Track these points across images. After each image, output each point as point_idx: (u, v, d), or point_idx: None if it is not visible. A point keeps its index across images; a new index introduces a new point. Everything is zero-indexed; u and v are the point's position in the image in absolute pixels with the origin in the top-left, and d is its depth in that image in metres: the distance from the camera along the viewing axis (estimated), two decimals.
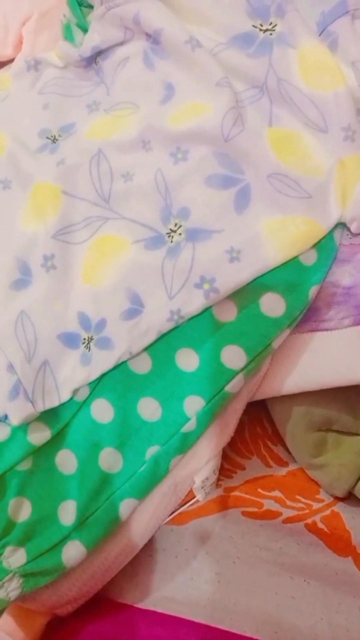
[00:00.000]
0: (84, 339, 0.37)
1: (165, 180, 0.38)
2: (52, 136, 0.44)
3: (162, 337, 0.36)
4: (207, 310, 0.36)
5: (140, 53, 0.42)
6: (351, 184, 0.34)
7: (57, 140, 0.43)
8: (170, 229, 0.37)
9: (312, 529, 0.37)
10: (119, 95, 0.42)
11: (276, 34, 0.37)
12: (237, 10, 0.38)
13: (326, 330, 0.35)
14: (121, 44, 0.43)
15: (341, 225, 0.35)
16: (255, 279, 0.35)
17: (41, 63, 0.47)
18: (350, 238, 0.36)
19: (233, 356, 0.35)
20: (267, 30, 0.37)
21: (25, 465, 0.37)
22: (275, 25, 0.37)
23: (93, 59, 0.44)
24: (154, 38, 0.40)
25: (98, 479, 0.36)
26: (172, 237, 0.37)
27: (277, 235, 0.35)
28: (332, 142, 0.35)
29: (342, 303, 0.35)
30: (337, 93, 0.34)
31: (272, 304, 0.35)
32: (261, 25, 0.37)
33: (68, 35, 0.47)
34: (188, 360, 0.36)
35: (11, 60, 0.49)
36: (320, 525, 0.36)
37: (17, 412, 0.37)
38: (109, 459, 0.36)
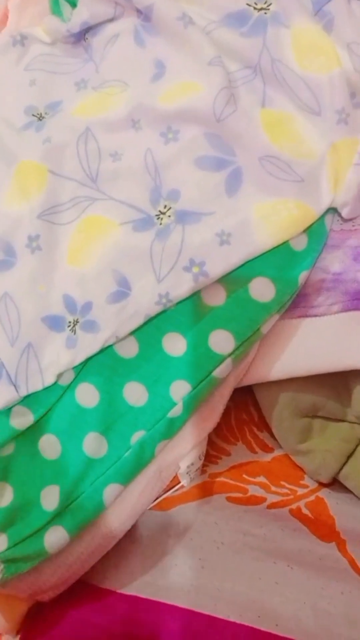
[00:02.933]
0: (69, 322, 0.37)
1: (155, 160, 0.37)
2: (38, 114, 0.43)
3: (149, 321, 0.36)
4: (195, 294, 0.35)
5: (131, 30, 0.40)
6: (343, 168, 0.34)
7: (43, 117, 0.42)
8: (160, 211, 0.36)
9: (297, 514, 0.37)
10: (108, 72, 0.41)
11: (271, 13, 0.36)
12: None
13: (315, 316, 0.35)
14: (111, 20, 0.42)
15: (332, 210, 0.35)
16: (245, 263, 0.35)
17: (27, 38, 0.45)
18: (341, 224, 0.35)
19: (221, 341, 0.35)
20: (261, 9, 0.36)
21: (7, 450, 0.36)
22: (270, 4, 0.36)
23: (82, 35, 0.43)
24: (145, 14, 0.39)
25: (82, 464, 0.35)
26: (162, 219, 0.36)
27: (268, 219, 0.34)
28: (325, 125, 0.34)
29: (331, 289, 0.35)
30: (332, 75, 0.34)
31: (262, 289, 0.35)
32: (255, 4, 0.37)
33: (56, 9, 0.45)
34: (175, 344, 0.36)
35: None
36: (305, 510, 0.36)
37: (3, 395, 0.36)
38: (94, 444, 0.36)
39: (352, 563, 0.34)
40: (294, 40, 0.35)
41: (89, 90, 0.42)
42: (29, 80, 0.44)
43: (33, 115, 0.43)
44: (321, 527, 0.36)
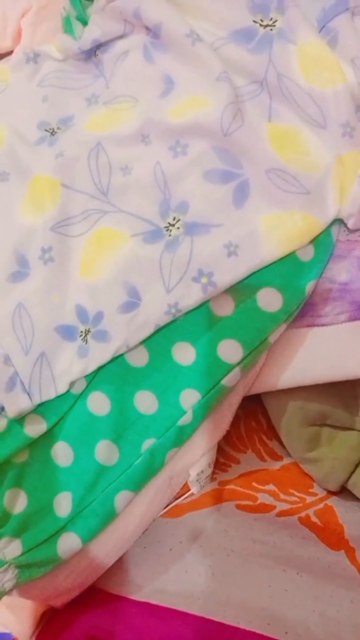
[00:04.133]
0: (81, 332, 0.38)
1: (164, 174, 0.38)
2: (50, 129, 0.44)
3: (159, 331, 0.36)
4: (204, 304, 0.36)
5: (140, 47, 0.42)
6: (349, 180, 0.34)
7: (55, 132, 0.43)
8: (169, 223, 0.37)
9: (306, 522, 0.37)
10: (118, 88, 0.42)
11: (276, 30, 0.37)
12: (238, 5, 0.38)
13: (322, 325, 0.36)
14: (121, 37, 0.43)
15: (338, 221, 0.35)
16: (252, 274, 0.35)
17: (40, 55, 0.46)
18: (347, 234, 0.36)
19: (229, 350, 0.35)
20: (267, 25, 0.37)
21: (21, 457, 0.37)
22: (276, 20, 0.37)
23: (93, 52, 0.44)
24: (154, 32, 0.40)
25: (94, 471, 0.36)
26: (171, 230, 0.37)
27: (275, 231, 0.35)
28: (330, 139, 0.35)
29: (338, 299, 0.35)
30: (337, 90, 0.34)
31: (269, 299, 0.35)
32: (262, 21, 0.37)
33: (68, 28, 0.47)
34: (185, 353, 0.36)
35: (10, 52, 0.49)
36: (314, 518, 0.37)
37: (14, 405, 0.37)
38: (105, 452, 0.36)
39: None
40: (299, 56, 0.36)
41: (100, 106, 0.43)
42: (41, 96, 0.45)
43: (46, 130, 0.44)
44: (330, 535, 0.36)
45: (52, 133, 0.43)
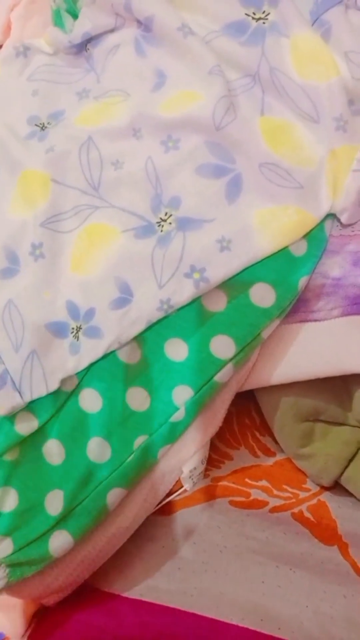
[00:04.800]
0: (73, 328, 0.37)
1: (155, 168, 0.38)
2: (41, 123, 0.43)
3: (151, 327, 0.36)
4: (196, 299, 0.36)
5: (132, 40, 0.41)
6: (342, 174, 0.34)
7: (46, 127, 0.43)
8: (161, 218, 0.37)
9: (299, 518, 0.37)
10: (109, 82, 0.42)
11: (269, 23, 0.37)
12: None
13: (315, 321, 0.35)
14: (112, 30, 0.42)
15: (331, 216, 0.35)
16: (245, 269, 0.35)
17: (30, 49, 0.46)
18: (340, 229, 0.36)
19: (222, 346, 0.35)
20: (260, 18, 0.37)
21: (11, 455, 0.37)
22: (269, 13, 0.37)
23: (83, 46, 0.44)
24: (145, 25, 0.40)
25: (85, 468, 0.36)
26: (163, 226, 0.36)
27: (268, 225, 0.35)
28: (324, 133, 0.34)
29: (331, 294, 0.35)
30: (330, 83, 0.34)
31: (262, 294, 0.35)
32: (254, 14, 0.37)
33: (58, 21, 0.46)
34: (177, 350, 0.36)
35: None
36: (307, 514, 0.37)
37: (4, 402, 0.36)
38: (97, 449, 0.36)
39: (354, 566, 0.34)
40: (292, 49, 0.36)
41: (91, 100, 0.42)
42: (31, 90, 0.45)
43: (36, 125, 0.43)
44: (323, 530, 0.36)
45: (42, 128, 0.43)
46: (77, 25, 0.43)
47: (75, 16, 0.45)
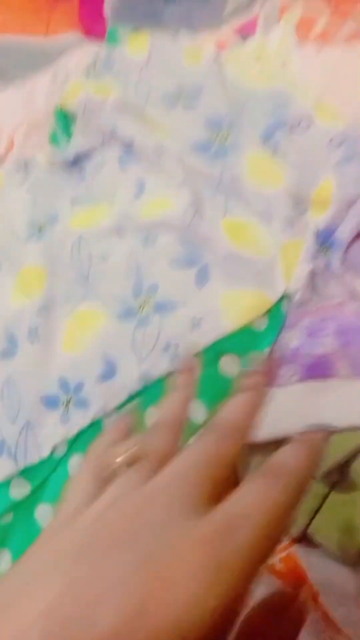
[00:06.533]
0: (63, 401, 0.42)
1: (136, 261, 0.44)
2: (39, 226, 0.50)
3: (133, 397, 0.41)
4: (173, 371, 0.41)
5: (116, 157, 0.49)
6: (293, 263, 0.41)
7: (43, 229, 0.50)
8: (141, 303, 0.43)
9: (271, 570, 0.39)
10: (97, 191, 0.49)
11: (229, 142, 0.45)
12: (197, 124, 0.46)
13: (278, 386, 0.40)
14: (100, 149, 0.51)
15: (287, 296, 0.41)
16: (214, 343, 0.40)
17: (30, 164, 0.54)
18: (295, 308, 0.41)
19: (195, 411, 0.40)
20: (221, 139, 0.45)
21: (6, 519, 0.40)
22: (228, 135, 0.45)
23: (76, 161, 0.52)
24: (127, 145, 0.48)
25: None
26: (143, 309, 0.42)
27: (232, 307, 0.41)
28: (275, 230, 0.41)
29: (290, 362, 0.40)
30: (278, 191, 0.41)
31: (230, 365, 0.40)
32: (217, 136, 0.45)
33: (54, 140, 0.55)
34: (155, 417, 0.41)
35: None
36: (279, 566, 0.39)
37: (1, 469, 0.40)
38: None
39: (323, 615, 0.37)
40: (248, 163, 0.44)
41: (82, 206, 0.49)
42: (30, 198, 0.52)
43: (35, 227, 0.50)
44: (294, 580, 0.39)
45: (40, 230, 0.50)
46: (71, 145, 0.52)
47: (69, 136, 0.53)
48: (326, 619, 0.37)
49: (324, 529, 0.39)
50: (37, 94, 0.59)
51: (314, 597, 0.37)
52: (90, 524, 0.19)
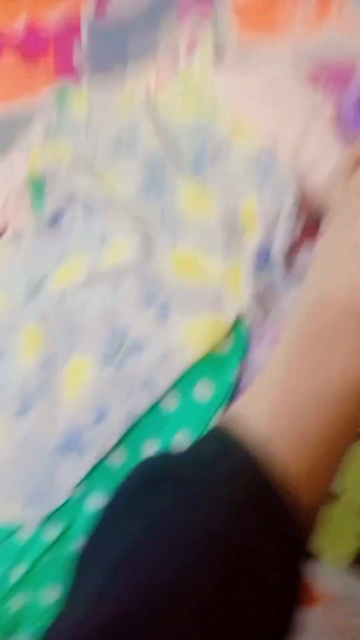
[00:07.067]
0: (72, 447, 0.47)
1: (109, 308, 0.48)
2: (33, 288, 0.56)
3: (127, 435, 0.45)
4: (155, 405, 0.44)
5: (80, 213, 0.53)
6: (238, 286, 0.43)
7: (36, 291, 0.55)
8: (118, 347, 0.47)
9: None
10: (71, 248, 0.54)
11: (167, 180, 0.47)
12: (138, 168, 0.49)
13: None
14: (68, 208, 0.55)
15: (242, 318, 0.43)
16: (185, 373, 0.43)
17: (19, 235, 0.60)
18: (254, 327, 0.43)
19: (183, 441, 0.43)
20: (160, 178, 0.48)
21: (44, 560, 0.46)
22: (164, 173, 0.47)
23: (52, 223, 0.57)
24: (85, 201, 0.52)
25: None
26: (119, 352, 0.46)
27: (193, 337, 0.43)
28: (217, 257, 0.43)
29: None
30: (213, 219, 0.43)
31: (203, 391, 0.43)
32: (155, 176, 0.48)
33: (34, 204, 0.60)
34: (152, 448, 0.45)
35: None
36: None
37: (31, 517, 0.46)
38: None
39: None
40: (184, 197, 0.46)
41: (62, 263, 0.54)
42: (23, 265, 0.58)
43: (31, 290, 0.56)
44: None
45: (33, 292, 0.55)
46: (45, 210, 0.57)
47: (43, 202, 0.58)
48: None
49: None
50: (16, 165, 0.65)
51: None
52: None
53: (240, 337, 0.43)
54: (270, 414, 0.24)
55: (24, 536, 0.47)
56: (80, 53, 0.62)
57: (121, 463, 0.45)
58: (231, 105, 0.45)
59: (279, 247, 0.40)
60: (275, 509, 0.22)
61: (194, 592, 0.20)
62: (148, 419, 0.45)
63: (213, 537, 0.21)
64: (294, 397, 0.24)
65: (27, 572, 0.45)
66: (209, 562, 0.21)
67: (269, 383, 0.26)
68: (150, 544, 0.22)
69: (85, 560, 0.26)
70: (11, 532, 0.47)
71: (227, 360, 0.43)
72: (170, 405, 0.44)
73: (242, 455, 0.23)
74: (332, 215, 0.29)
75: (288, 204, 0.40)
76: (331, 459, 0.25)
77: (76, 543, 0.45)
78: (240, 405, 0.26)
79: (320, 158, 0.42)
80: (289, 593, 0.23)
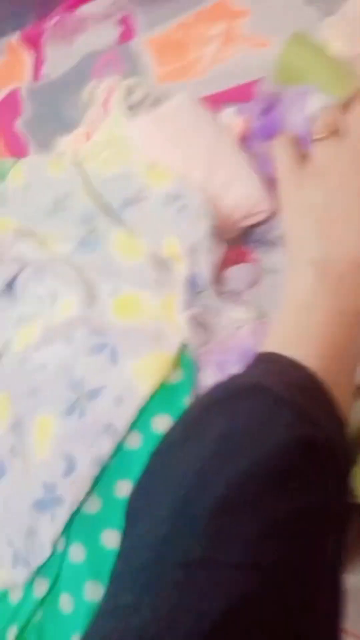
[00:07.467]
0: (48, 502, 0.48)
1: (65, 361, 0.50)
2: None
3: (99, 480, 0.46)
4: (120, 445, 0.46)
5: (31, 277, 0.56)
6: (174, 316, 0.45)
7: (1, 356, 0.57)
8: (77, 396, 0.48)
9: None
10: (27, 310, 0.56)
11: (100, 232, 0.50)
12: (73, 225, 0.52)
13: None
14: (20, 273, 0.58)
15: (186, 346, 0.45)
16: (141, 410, 0.45)
17: None
18: (200, 352, 0.45)
19: None
20: (93, 231, 0.51)
21: (37, 617, 0.46)
22: (96, 226, 0.50)
23: (9, 289, 0.59)
24: (33, 264, 0.55)
25: (89, 610, 0.44)
26: (79, 401, 0.48)
27: (142, 373, 0.45)
28: (152, 292, 0.46)
29: None
30: (143, 259, 0.46)
31: (160, 421, 0.44)
32: (89, 229, 0.51)
33: None
34: (124, 489, 0.46)
35: None
36: None
37: (20, 576, 0.47)
38: (94, 591, 0.45)
39: None
40: (115, 245, 0.49)
41: (21, 326, 0.56)
42: None
43: None
44: None
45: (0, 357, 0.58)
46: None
47: None
48: None
49: None
50: None
51: None
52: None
53: (187, 363, 0.45)
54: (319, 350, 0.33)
55: (15, 596, 0.47)
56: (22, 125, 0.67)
57: (96, 510, 0.46)
58: (144, 150, 0.48)
59: (205, 273, 0.42)
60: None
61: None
62: (115, 461, 0.46)
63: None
64: (337, 330, 0.33)
65: (22, 630, 0.46)
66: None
67: (305, 326, 0.33)
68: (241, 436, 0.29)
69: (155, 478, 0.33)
70: (4, 595, 0.48)
71: (179, 388, 0.44)
72: (134, 443, 0.45)
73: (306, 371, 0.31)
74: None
75: (203, 232, 0.42)
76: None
77: (64, 599, 0.46)
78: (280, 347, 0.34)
79: (232, 179, 0.45)
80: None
